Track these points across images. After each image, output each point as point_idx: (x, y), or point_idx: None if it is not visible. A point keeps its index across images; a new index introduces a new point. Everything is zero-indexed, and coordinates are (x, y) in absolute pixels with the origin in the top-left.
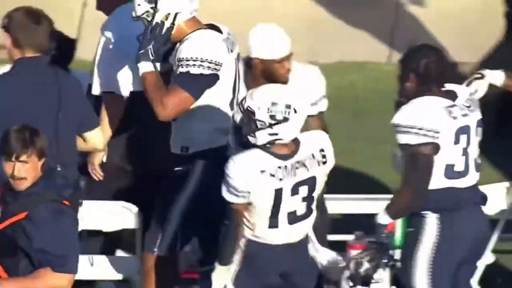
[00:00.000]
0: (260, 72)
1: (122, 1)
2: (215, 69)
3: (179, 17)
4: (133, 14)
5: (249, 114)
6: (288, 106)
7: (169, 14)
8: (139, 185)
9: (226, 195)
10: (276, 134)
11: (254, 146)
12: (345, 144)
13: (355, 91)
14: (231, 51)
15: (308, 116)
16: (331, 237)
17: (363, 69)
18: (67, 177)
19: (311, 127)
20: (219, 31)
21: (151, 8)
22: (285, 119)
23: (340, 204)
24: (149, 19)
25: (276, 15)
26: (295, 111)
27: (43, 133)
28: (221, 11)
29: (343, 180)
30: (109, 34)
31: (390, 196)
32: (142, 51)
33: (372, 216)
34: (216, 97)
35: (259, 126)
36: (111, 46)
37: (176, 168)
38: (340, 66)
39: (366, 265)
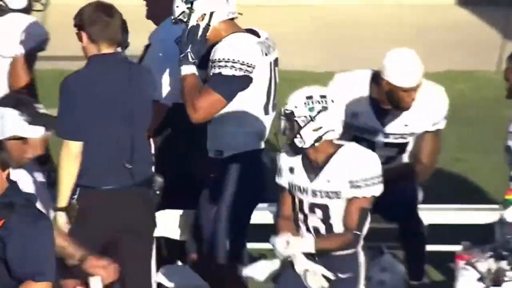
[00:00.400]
0: (385, 93)
1: (171, 11)
2: (247, 70)
3: (214, 17)
4: (172, 17)
5: (288, 116)
6: (323, 96)
7: (204, 14)
8: (181, 192)
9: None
10: (320, 127)
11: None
12: (455, 153)
13: (465, 100)
14: (266, 54)
15: (426, 132)
16: (438, 247)
17: (472, 78)
18: (133, 175)
19: (426, 141)
20: (257, 35)
21: (187, 8)
22: (324, 108)
23: (449, 214)
24: (185, 19)
25: (385, 22)
26: (332, 101)
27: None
28: (334, 21)
29: (453, 189)
30: (156, 42)
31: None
32: (182, 54)
33: (482, 227)
34: (250, 100)
35: (301, 124)
36: (157, 55)
37: (212, 175)
38: (449, 75)
39: (494, 265)
